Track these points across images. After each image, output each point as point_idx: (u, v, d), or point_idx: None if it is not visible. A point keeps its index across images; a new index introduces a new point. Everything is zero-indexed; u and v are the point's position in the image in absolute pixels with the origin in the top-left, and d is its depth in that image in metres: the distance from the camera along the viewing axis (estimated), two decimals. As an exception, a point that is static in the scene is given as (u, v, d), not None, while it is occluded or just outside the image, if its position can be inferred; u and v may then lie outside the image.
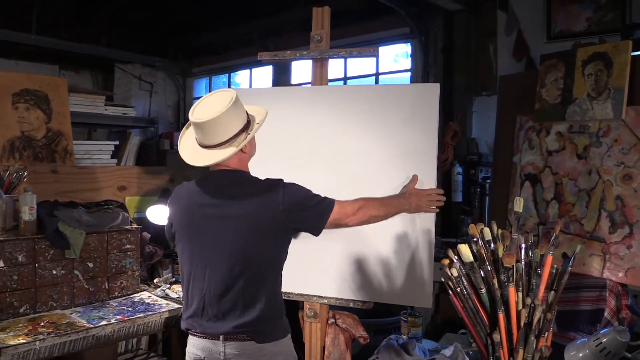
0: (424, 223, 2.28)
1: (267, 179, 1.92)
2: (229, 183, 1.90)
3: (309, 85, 2.60)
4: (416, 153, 2.31)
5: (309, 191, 1.94)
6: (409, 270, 2.30)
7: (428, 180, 2.28)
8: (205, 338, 1.89)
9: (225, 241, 1.85)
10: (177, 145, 3.83)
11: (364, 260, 2.36)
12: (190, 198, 1.95)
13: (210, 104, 1.83)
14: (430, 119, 2.29)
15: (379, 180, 2.35)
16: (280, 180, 1.91)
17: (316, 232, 1.95)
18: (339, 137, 2.41)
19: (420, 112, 2.30)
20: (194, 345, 1.94)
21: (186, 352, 1.98)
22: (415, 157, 2.31)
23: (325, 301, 2.40)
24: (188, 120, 1.87)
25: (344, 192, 2.39)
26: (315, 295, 2.39)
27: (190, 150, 1.90)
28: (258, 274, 1.86)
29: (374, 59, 4.47)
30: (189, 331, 1.96)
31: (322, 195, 1.96)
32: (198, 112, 1.83)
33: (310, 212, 1.91)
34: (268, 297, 1.89)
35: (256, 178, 1.94)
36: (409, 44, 4.31)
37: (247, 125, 1.87)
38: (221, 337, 1.85)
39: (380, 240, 2.34)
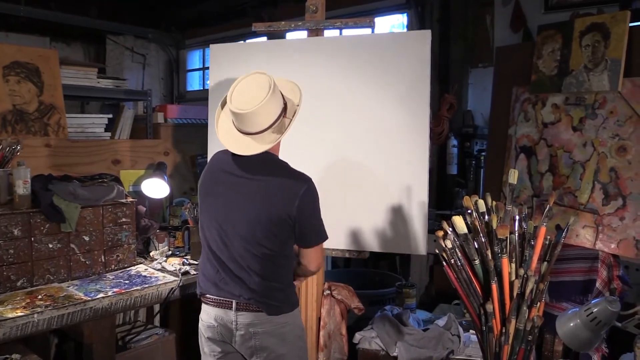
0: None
1: (296, 171, 1.93)
2: (258, 161, 1.91)
3: (304, 38, 2.56)
4: (408, 101, 2.31)
5: (319, 208, 1.95)
6: (402, 220, 2.32)
7: (420, 124, 2.29)
8: (218, 307, 1.93)
9: (237, 214, 1.89)
10: (170, 119, 3.81)
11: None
12: (218, 163, 2.00)
13: (247, 91, 1.82)
14: (422, 65, 2.28)
15: (371, 129, 2.37)
16: (308, 179, 1.91)
17: (302, 244, 1.97)
18: (332, 90, 2.41)
19: (413, 59, 2.29)
20: (208, 314, 1.98)
21: (200, 319, 2.02)
22: (407, 105, 2.31)
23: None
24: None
25: (337, 143, 2.42)
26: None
27: (230, 137, 1.90)
28: (266, 253, 1.89)
29: (369, 30, 4.41)
30: (203, 297, 2.00)
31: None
32: (237, 101, 1.82)
33: (310, 226, 1.93)
34: (277, 272, 1.93)
35: (285, 164, 1.95)
36: (405, 14, 4.25)
37: (285, 109, 1.88)
38: (233, 305, 1.90)
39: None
